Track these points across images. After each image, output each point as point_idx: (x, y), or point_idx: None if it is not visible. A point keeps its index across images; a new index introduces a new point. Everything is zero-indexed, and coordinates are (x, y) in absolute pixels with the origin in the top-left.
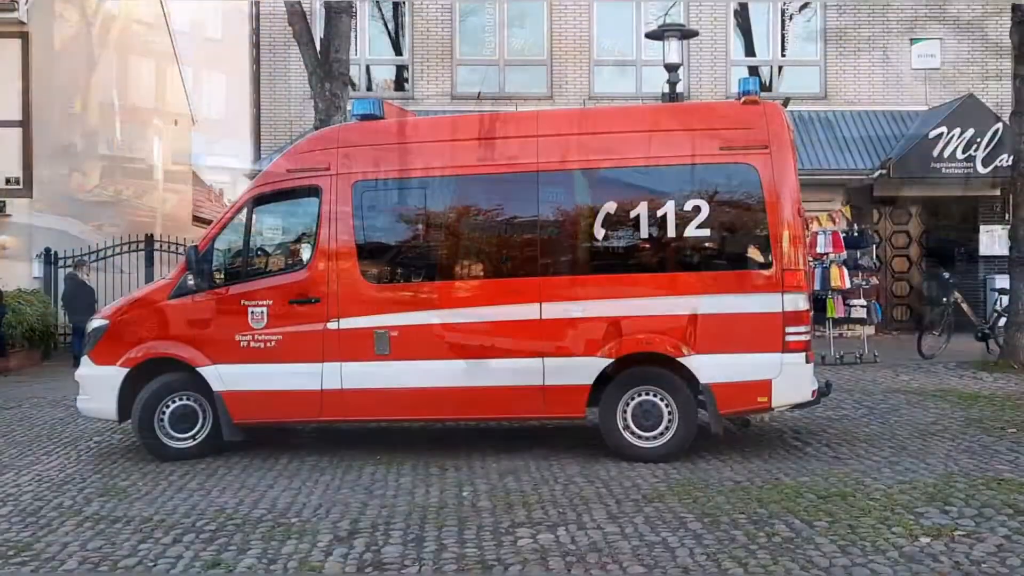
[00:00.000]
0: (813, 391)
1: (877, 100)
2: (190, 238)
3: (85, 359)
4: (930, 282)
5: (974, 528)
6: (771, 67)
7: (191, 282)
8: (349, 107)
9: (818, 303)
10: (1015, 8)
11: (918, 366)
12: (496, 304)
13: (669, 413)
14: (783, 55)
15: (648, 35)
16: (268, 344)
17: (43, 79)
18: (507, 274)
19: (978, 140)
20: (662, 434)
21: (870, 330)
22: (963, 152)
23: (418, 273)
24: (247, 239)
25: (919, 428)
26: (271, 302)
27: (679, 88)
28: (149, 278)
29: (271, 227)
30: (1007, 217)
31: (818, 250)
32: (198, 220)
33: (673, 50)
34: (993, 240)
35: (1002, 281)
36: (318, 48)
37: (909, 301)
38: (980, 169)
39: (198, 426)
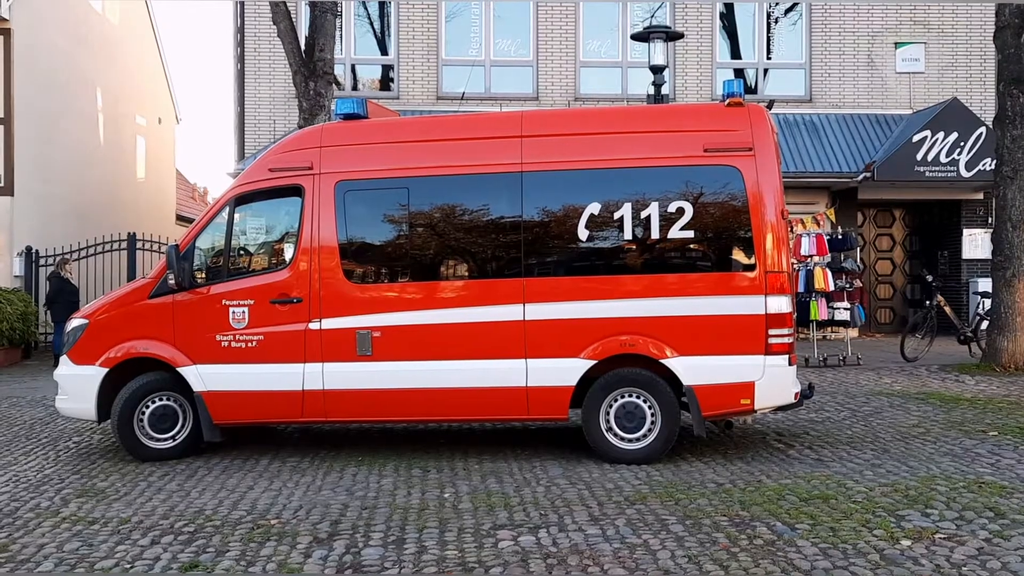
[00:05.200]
0: (796, 393)
1: (862, 103)
2: (173, 237)
3: (64, 359)
4: (913, 285)
5: (955, 531)
6: (756, 69)
7: (172, 281)
8: (333, 106)
9: (801, 306)
10: (999, 13)
11: (901, 369)
12: (479, 305)
13: (652, 415)
14: (768, 58)
15: (634, 37)
16: (249, 344)
17: (26, 76)
18: (491, 275)
19: (962, 144)
20: (645, 436)
21: (853, 333)
22: (947, 156)
23: (401, 273)
24: (228, 238)
25: (901, 431)
26: (252, 302)
27: (664, 90)
28: (131, 277)
29: (253, 226)
30: (990, 221)
31: (802, 252)
32: (181, 219)
33: (659, 52)
34: (976, 244)
35: (984, 284)
36: (303, 47)
37: (892, 304)
38: (963, 173)
39: (178, 426)
